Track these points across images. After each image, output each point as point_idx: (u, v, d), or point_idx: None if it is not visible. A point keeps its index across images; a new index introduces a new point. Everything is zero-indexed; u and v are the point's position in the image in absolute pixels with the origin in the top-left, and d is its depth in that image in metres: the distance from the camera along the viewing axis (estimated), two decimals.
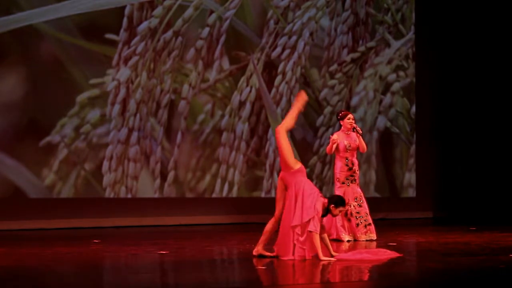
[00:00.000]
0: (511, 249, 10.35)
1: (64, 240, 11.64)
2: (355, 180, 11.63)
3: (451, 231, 13.03)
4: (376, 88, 16.08)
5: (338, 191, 11.50)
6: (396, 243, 11.27)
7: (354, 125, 11.67)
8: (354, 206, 11.51)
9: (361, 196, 11.63)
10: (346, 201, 11.44)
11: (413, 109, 16.51)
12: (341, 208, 9.33)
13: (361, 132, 11.73)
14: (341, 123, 11.73)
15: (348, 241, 11.32)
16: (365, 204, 11.61)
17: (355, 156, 11.71)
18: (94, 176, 13.80)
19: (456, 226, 13.96)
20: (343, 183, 11.56)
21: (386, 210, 15.63)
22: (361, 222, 11.48)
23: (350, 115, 11.70)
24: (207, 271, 8.68)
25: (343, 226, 11.45)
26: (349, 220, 11.50)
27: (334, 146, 11.54)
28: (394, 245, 10.97)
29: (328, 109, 15.64)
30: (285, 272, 8.75)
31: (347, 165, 11.59)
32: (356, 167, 11.64)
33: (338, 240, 11.36)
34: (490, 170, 16.78)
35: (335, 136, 11.64)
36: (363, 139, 11.78)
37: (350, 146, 11.58)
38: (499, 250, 10.23)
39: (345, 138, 11.61)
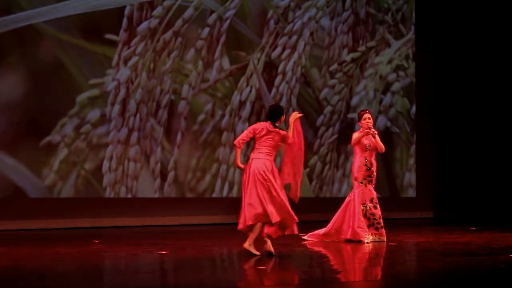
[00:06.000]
0: (511, 249, 10.35)
1: (64, 240, 11.64)
2: (371, 181, 11.48)
3: (451, 231, 13.03)
4: (376, 88, 16.08)
5: (356, 190, 11.40)
6: (396, 243, 11.27)
7: (370, 125, 11.46)
8: (369, 207, 11.42)
9: (376, 198, 11.50)
10: (363, 201, 11.39)
11: (413, 109, 16.51)
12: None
13: (373, 133, 11.44)
14: (360, 124, 11.56)
15: (367, 242, 11.19)
16: (379, 207, 11.49)
17: (374, 156, 11.58)
18: (94, 176, 13.80)
19: (456, 226, 13.96)
20: (361, 182, 11.43)
21: (386, 210, 15.61)
22: (373, 224, 11.41)
23: (366, 115, 11.43)
24: (207, 271, 8.68)
25: (360, 227, 11.28)
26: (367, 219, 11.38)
27: (360, 136, 11.37)
28: (394, 245, 10.98)
29: (328, 109, 15.64)
30: (285, 272, 8.75)
31: (365, 164, 11.44)
32: (374, 168, 11.47)
33: (355, 241, 11.22)
34: (490, 170, 16.78)
35: (355, 135, 11.49)
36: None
37: (370, 146, 11.42)
38: (499, 250, 10.23)
39: (365, 138, 11.50)
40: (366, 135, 11.41)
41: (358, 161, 11.48)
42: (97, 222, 13.76)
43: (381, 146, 11.50)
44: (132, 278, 8.16)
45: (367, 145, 11.44)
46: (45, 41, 13.53)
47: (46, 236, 12.35)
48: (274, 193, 9.54)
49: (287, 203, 9.64)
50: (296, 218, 9.65)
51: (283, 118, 9.85)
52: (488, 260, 9.33)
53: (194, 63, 14.51)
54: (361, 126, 11.51)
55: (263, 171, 9.59)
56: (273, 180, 9.58)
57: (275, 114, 9.76)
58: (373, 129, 11.43)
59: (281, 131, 9.78)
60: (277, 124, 9.77)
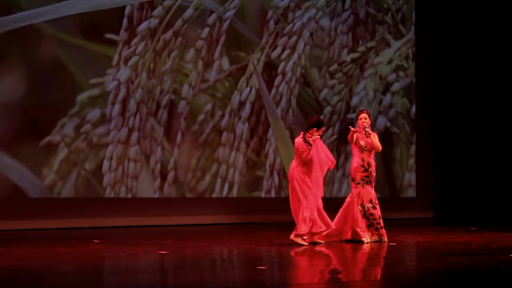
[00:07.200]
0: (511, 249, 10.35)
1: (64, 240, 11.64)
2: (370, 182, 11.39)
3: (451, 231, 13.03)
4: (376, 88, 16.08)
5: (353, 190, 11.38)
6: (396, 243, 11.27)
7: (366, 125, 11.40)
8: (368, 208, 11.38)
9: (375, 198, 11.45)
10: (360, 202, 11.39)
11: (413, 109, 16.51)
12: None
13: (366, 133, 11.38)
14: (357, 124, 11.50)
15: (367, 242, 11.18)
16: (378, 207, 11.44)
17: (372, 157, 11.49)
18: (94, 176, 13.80)
19: (456, 226, 13.96)
20: (358, 183, 11.39)
21: (386, 210, 15.61)
22: (372, 224, 11.39)
23: (362, 115, 11.41)
24: (207, 271, 8.68)
25: (360, 227, 11.27)
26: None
27: (354, 136, 11.32)
28: (394, 245, 10.98)
29: (328, 109, 15.64)
30: (285, 272, 8.75)
31: (362, 165, 11.38)
32: (372, 169, 11.38)
33: (356, 241, 11.22)
34: (490, 170, 16.78)
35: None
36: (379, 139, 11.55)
37: (365, 146, 11.35)
38: (499, 250, 10.23)
39: (362, 138, 11.43)
40: (353, 133, 11.35)
41: (355, 162, 11.45)
42: (97, 222, 13.76)
43: (378, 146, 11.42)
44: (132, 278, 8.16)
45: (362, 146, 11.40)
46: (45, 41, 13.54)
47: (46, 236, 12.35)
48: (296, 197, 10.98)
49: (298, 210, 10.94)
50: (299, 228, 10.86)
51: (313, 130, 10.92)
52: (488, 260, 9.33)
53: (194, 63, 14.51)
54: (358, 126, 11.50)
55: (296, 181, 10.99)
56: (298, 187, 10.92)
57: (311, 125, 11.00)
58: (368, 129, 11.36)
59: (305, 145, 10.95)
60: (308, 135, 10.96)
